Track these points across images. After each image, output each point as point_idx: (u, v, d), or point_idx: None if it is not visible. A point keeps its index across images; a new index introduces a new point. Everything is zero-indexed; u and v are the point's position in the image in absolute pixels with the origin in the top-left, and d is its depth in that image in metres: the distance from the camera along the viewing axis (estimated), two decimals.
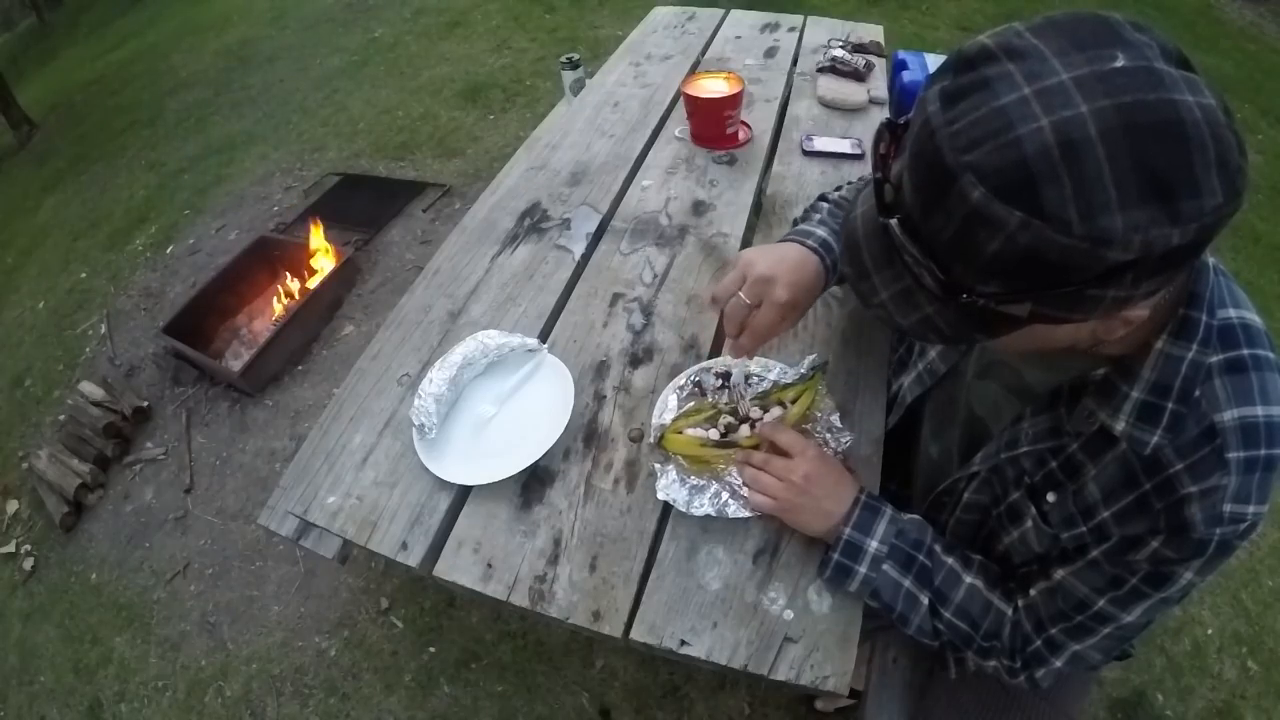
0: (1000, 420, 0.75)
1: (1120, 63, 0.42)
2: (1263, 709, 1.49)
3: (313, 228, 2.51)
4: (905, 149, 0.50)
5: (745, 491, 0.82)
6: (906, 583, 0.73)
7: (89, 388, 2.27)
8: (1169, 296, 0.56)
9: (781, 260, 0.77)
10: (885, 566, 0.73)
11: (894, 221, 0.50)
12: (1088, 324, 0.51)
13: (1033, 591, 0.72)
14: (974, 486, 0.78)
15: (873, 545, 0.73)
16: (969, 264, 0.46)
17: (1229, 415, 0.55)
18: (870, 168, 0.55)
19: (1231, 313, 0.57)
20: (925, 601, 0.74)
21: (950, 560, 0.75)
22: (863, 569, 0.73)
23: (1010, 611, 0.74)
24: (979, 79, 0.44)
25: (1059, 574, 0.69)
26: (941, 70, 0.48)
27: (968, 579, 0.74)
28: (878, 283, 0.55)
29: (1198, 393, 0.56)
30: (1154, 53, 0.43)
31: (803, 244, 0.81)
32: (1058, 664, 0.71)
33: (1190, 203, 0.41)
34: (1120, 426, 0.58)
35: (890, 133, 0.54)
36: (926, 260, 0.49)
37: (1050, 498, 0.67)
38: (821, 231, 0.83)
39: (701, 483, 0.83)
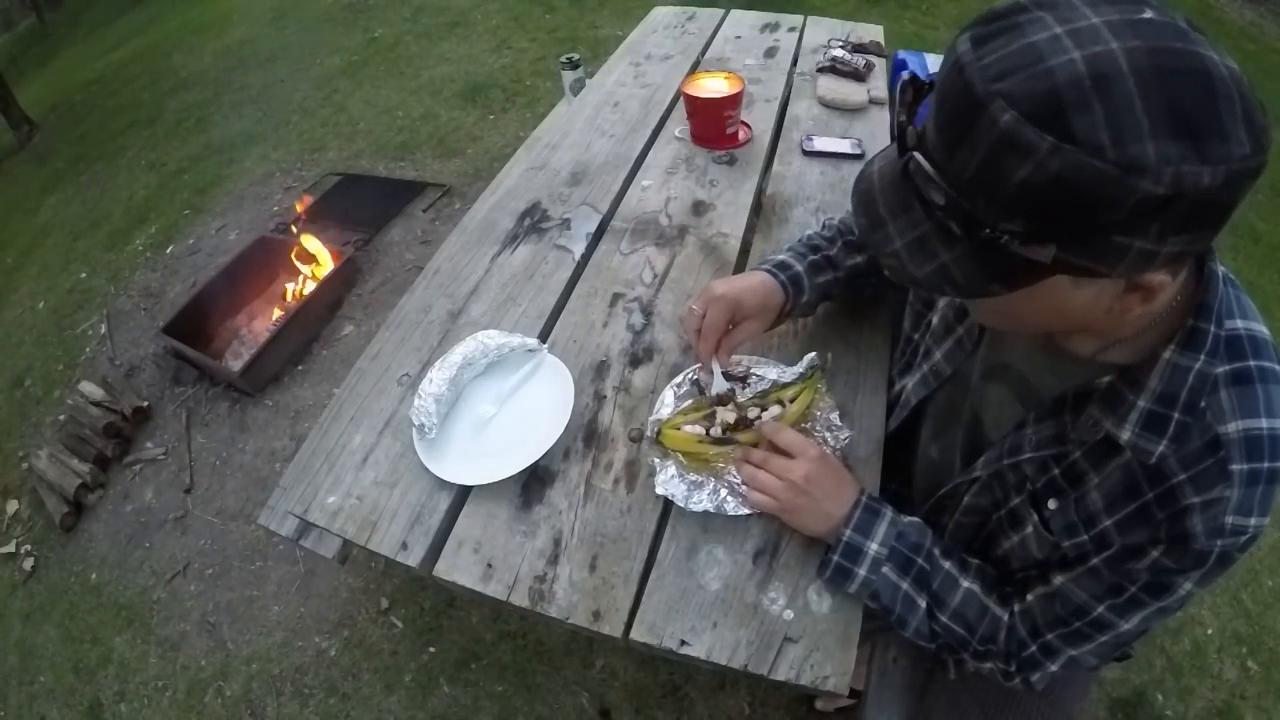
0: (1003, 425, 0.75)
1: (1149, 15, 0.43)
2: (1263, 709, 1.49)
3: (303, 239, 2.50)
4: (930, 98, 0.50)
5: (744, 489, 0.82)
6: (905, 585, 0.73)
7: (89, 388, 2.27)
8: (1179, 303, 0.55)
9: (736, 280, 0.90)
10: (885, 569, 0.73)
11: (917, 154, 0.49)
12: (1106, 295, 0.50)
13: (1030, 597, 0.72)
14: (974, 491, 0.77)
15: (872, 548, 0.73)
16: (994, 198, 0.45)
17: (1234, 427, 0.55)
18: (894, 116, 0.55)
19: (1239, 324, 0.57)
20: (923, 605, 0.74)
21: (948, 564, 0.75)
22: (862, 571, 0.73)
23: (1006, 617, 0.74)
24: (1010, 24, 0.45)
25: (1058, 580, 0.69)
26: (970, 23, 0.47)
27: (965, 583, 0.74)
28: (892, 231, 0.54)
29: (1203, 404, 0.55)
30: (1179, 17, 0.44)
31: (759, 268, 0.93)
32: (1053, 668, 0.71)
33: (1218, 145, 0.40)
34: (1126, 436, 0.58)
35: (914, 86, 0.54)
36: (950, 194, 0.47)
37: (1051, 505, 0.67)
38: (781, 256, 0.96)
39: (700, 479, 0.83)
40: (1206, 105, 0.41)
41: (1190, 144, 0.40)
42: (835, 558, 0.74)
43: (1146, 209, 0.41)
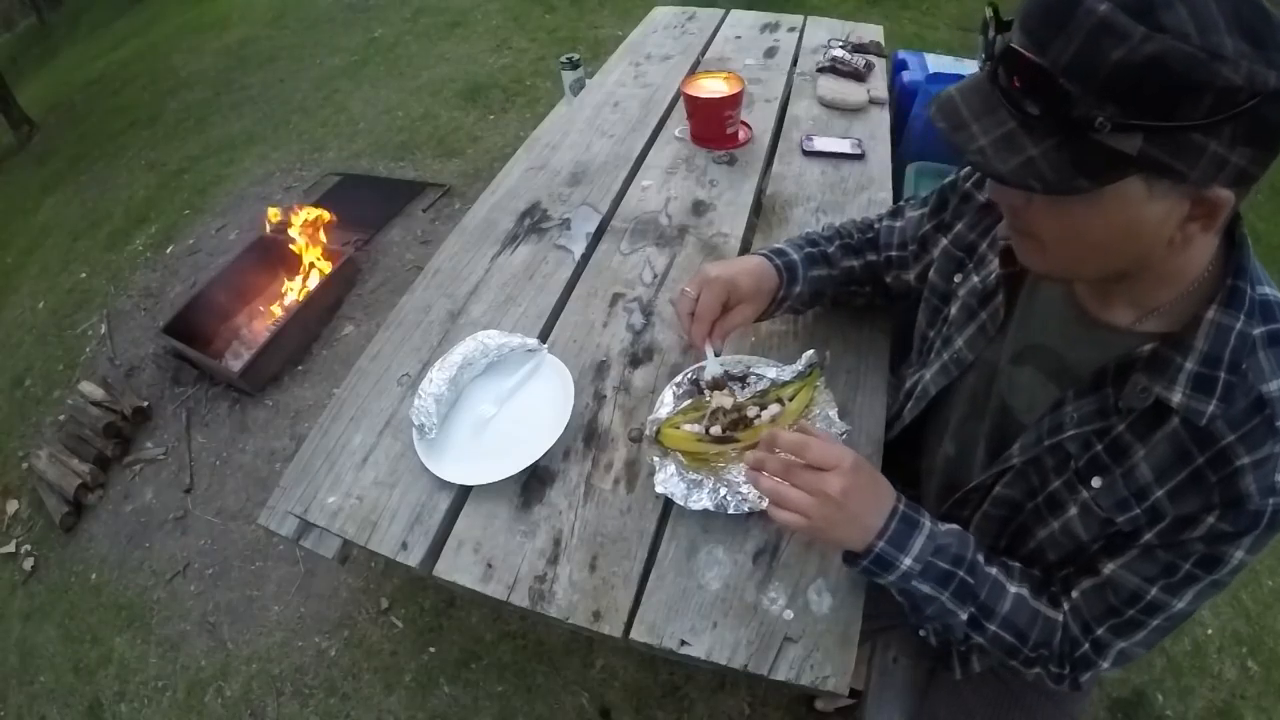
0: (1036, 408, 0.73)
1: None
2: (1263, 709, 1.49)
3: (307, 244, 2.51)
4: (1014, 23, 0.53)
5: (749, 493, 0.81)
6: (942, 598, 0.71)
7: (89, 388, 2.27)
8: (1214, 268, 0.59)
9: (731, 263, 0.91)
10: (915, 582, 0.70)
11: (1014, 44, 0.51)
12: (1173, 217, 0.52)
13: (1075, 594, 0.70)
14: (1007, 480, 0.75)
15: (905, 562, 0.69)
16: (1089, 81, 0.48)
17: (1275, 385, 0.57)
18: (981, 47, 0.59)
19: (1268, 289, 0.60)
20: (964, 616, 0.71)
21: (994, 571, 0.72)
22: (891, 578, 0.71)
23: (1060, 617, 0.72)
24: None
25: (1108, 569, 0.67)
26: None
27: (1012, 589, 0.72)
28: (976, 130, 0.55)
29: (1244, 365, 0.57)
30: None
31: (754, 253, 0.95)
32: (1105, 665, 0.70)
33: (1278, 54, 0.46)
34: (1177, 398, 0.59)
35: (997, 15, 0.57)
36: (1049, 74, 0.49)
37: (1096, 483, 0.66)
38: (777, 245, 0.97)
39: (699, 478, 0.83)
40: (1267, 23, 0.46)
41: (1258, 48, 0.45)
42: (864, 563, 0.70)
43: (1224, 104, 0.46)
